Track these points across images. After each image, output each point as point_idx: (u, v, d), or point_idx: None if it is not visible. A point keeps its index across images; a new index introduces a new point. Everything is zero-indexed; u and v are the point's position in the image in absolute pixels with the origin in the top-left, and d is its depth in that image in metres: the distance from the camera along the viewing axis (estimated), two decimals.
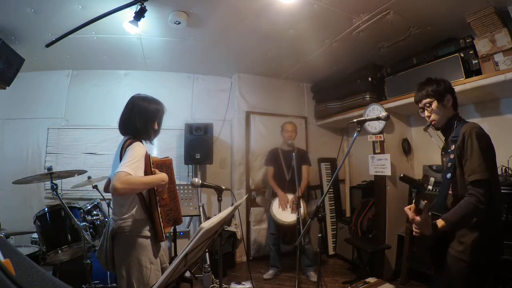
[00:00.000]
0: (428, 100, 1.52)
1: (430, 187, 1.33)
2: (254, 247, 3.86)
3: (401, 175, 1.31)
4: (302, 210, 2.98)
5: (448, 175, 1.42)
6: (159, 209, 1.59)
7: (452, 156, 1.41)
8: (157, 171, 1.60)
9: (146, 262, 1.50)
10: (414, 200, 1.28)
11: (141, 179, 1.46)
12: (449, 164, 1.42)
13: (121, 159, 1.50)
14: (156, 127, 1.69)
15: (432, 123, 1.53)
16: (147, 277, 1.48)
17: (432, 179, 1.33)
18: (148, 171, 1.54)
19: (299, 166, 3.33)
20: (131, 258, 1.48)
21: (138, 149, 1.51)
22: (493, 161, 1.36)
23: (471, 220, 1.32)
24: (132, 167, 1.42)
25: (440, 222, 1.28)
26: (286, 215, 3.13)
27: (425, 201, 1.27)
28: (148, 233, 1.54)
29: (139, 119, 1.62)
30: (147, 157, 1.55)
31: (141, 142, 1.62)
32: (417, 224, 1.30)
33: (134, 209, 1.53)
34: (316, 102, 4.54)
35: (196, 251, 1.19)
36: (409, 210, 1.33)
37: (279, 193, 3.27)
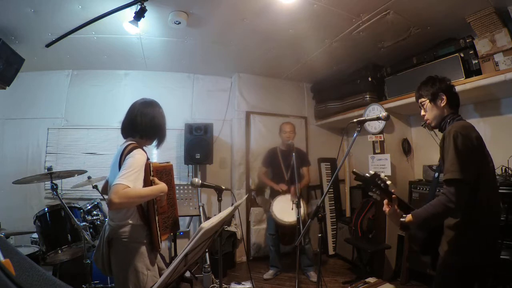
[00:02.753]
0: (421, 100, 1.56)
1: (388, 182, 1.37)
2: (254, 247, 3.86)
3: (353, 170, 1.44)
4: (302, 210, 2.98)
5: (436, 174, 1.44)
6: (157, 218, 1.56)
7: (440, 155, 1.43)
8: (156, 179, 1.55)
9: (142, 268, 1.48)
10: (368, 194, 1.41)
11: (139, 193, 1.41)
12: (438, 164, 1.44)
13: (120, 165, 1.46)
14: None
15: (427, 122, 1.57)
16: (144, 282, 1.46)
17: (382, 174, 1.38)
18: (147, 181, 1.50)
19: (298, 167, 3.34)
20: (128, 264, 1.46)
21: (138, 158, 1.46)
22: (476, 161, 1.30)
23: (440, 218, 1.35)
24: (131, 179, 1.37)
25: (408, 217, 1.34)
26: (287, 215, 3.12)
27: (394, 196, 1.39)
28: (144, 240, 1.52)
29: (162, 124, 1.67)
30: (147, 165, 1.51)
31: (143, 148, 1.58)
32: (388, 215, 1.42)
33: (131, 216, 1.50)
34: (316, 102, 4.54)
35: (196, 251, 1.19)
36: (385, 202, 1.43)
37: (273, 185, 3.31)
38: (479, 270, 1.33)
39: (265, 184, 3.53)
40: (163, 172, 1.69)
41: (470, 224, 1.31)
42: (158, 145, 1.72)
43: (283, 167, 3.37)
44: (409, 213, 1.36)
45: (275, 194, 3.34)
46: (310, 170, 3.49)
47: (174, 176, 1.85)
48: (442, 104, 1.49)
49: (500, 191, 2.12)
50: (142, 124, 1.60)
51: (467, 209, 1.28)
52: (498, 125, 2.69)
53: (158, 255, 1.67)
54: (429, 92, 1.51)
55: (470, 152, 1.29)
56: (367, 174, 1.39)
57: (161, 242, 1.59)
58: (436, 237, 1.43)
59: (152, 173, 1.55)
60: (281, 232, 3.31)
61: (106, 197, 2.68)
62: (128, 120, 1.63)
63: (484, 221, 1.32)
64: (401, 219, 1.35)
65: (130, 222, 1.50)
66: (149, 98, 1.71)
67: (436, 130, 1.60)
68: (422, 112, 1.58)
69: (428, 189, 2.87)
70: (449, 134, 1.32)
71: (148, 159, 1.56)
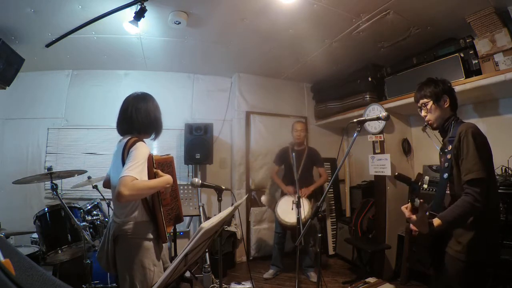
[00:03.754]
0: (424, 100, 1.55)
1: (425, 186, 1.33)
2: (254, 247, 3.86)
3: (396, 174, 1.37)
4: (306, 210, 2.97)
5: (445, 175, 1.43)
6: (162, 209, 1.57)
7: (449, 156, 1.42)
8: (159, 172, 1.56)
9: (149, 264, 1.48)
10: (409, 199, 1.29)
11: (147, 184, 1.42)
12: (446, 164, 1.43)
13: (123, 160, 1.46)
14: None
15: (429, 123, 1.57)
16: (151, 279, 1.46)
17: (426, 178, 1.34)
18: (150, 173, 1.51)
19: (310, 165, 3.37)
20: (134, 261, 1.46)
21: (142, 150, 1.46)
22: (490, 161, 1.36)
23: (467, 218, 1.33)
24: (137, 171, 1.37)
25: (436, 221, 1.30)
26: (289, 216, 3.12)
27: (421, 200, 1.27)
28: (151, 236, 1.52)
29: (157, 117, 1.66)
30: (150, 157, 1.52)
31: (143, 141, 1.58)
32: (414, 223, 1.32)
33: (137, 211, 1.50)
34: (316, 102, 4.54)
35: (196, 251, 1.19)
36: (405, 209, 1.34)
37: (282, 186, 3.30)
38: (484, 270, 1.34)
39: (275, 183, 3.51)
40: (164, 164, 1.70)
41: (483, 223, 1.33)
42: (155, 138, 1.72)
43: (294, 166, 3.37)
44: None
45: (282, 193, 3.35)
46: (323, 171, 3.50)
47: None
48: (446, 105, 1.50)
49: (500, 191, 2.14)
50: (138, 120, 1.59)
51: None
52: (497, 125, 2.68)
53: (164, 248, 1.67)
54: (433, 93, 1.51)
55: (487, 152, 1.33)
56: (412, 179, 1.35)
57: (167, 235, 1.59)
58: (441, 237, 1.43)
59: (155, 165, 1.55)
60: (291, 232, 3.30)
61: (106, 196, 2.70)
62: (123, 117, 1.63)
63: (492, 220, 1.35)
64: (431, 225, 1.30)
65: (136, 217, 1.50)
66: (140, 92, 1.70)
67: (437, 133, 1.60)
68: (423, 113, 1.57)
69: (430, 189, 2.85)
70: (467, 134, 1.33)
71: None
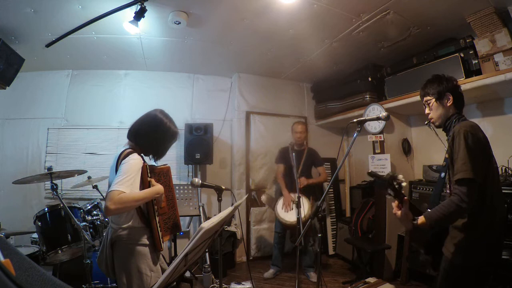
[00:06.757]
0: (427, 98, 1.54)
1: (403, 184, 1.32)
2: (254, 247, 3.86)
3: (369, 171, 1.39)
4: (305, 209, 2.97)
5: (442, 174, 1.43)
6: (157, 218, 1.57)
7: (447, 155, 1.42)
8: (153, 181, 1.56)
9: (146, 269, 1.49)
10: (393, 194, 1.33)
11: (133, 197, 1.41)
12: (444, 163, 1.43)
13: (117, 170, 1.47)
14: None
15: (431, 121, 1.56)
16: (148, 284, 1.47)
17: (400, 176, 1.33)
18: (145, 182, 1.52)
19: (309, 165, 3.36)
20: (131, 266, 1.47)
21: (133, 163, 1.46)
22: (484, 161, 1.32)
23: (453, 219, 1.32)
24: (127, 184, 1.38)
25: (420, 219, 1.31)
26: (289, 215, 3.12)
27: (406, 198, 1.34)
28: (146, 241, 1.53)
29: (160, 144, 1.64)
30: (144, 167, 1.52)
31: (140, 154, 1.58)
32: (398, 218, 1.36)
33: (132, 219, 1.52)
34: (316, 102, 4.54)
35: (196, 251, 1.19)
36: (395, 204, 1.38)
37: (285, 193, 3.28)
38: (482, 270, 1.33)
39: (277, 183, 3.50)
40: (160, 174, 1.70)
41: (477, 224, 1.31)
42: (155, 160, 1.72)
43: (294, 166, 3.37)
44: (418, 216, 1.34)
45: (280, 193, 3.35)
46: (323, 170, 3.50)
47: (175, 176, 1.85)
48: (449, 104, 1.48)
49: None
50: (141, 135, 1.61)
51: (475, 209, 1.28)
52: (498, 124, 2.69)
53: (161, 256, 1.67)
54: (436, 91, 1.50)
55: (479, 151, 1.30)
56: (384, 175, 1.35)
57: (162, 243, 1.59)
58: (439, 238, 1.42)
59: (150, 174, 1.56)
60: (290, 231, 3.30)
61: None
62: (136, 124, 1.65)
63: (490, 221, 1.32)
64: (413, 221, 1.32)
65: (131, 224, 1.51)
66: (166, 113, 1.70)
67: (439, 130, 1.60)
68: (427, 111, 1.56)
69: (430, 189, 2.86)
70: (459, 134, 1.31)
71: (144, 161, 1.57)
